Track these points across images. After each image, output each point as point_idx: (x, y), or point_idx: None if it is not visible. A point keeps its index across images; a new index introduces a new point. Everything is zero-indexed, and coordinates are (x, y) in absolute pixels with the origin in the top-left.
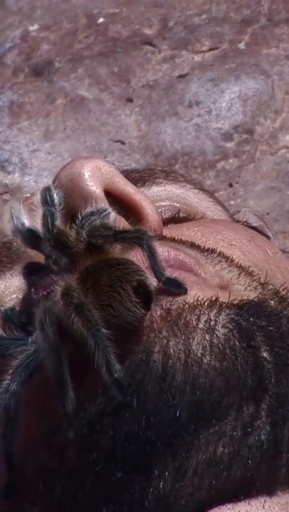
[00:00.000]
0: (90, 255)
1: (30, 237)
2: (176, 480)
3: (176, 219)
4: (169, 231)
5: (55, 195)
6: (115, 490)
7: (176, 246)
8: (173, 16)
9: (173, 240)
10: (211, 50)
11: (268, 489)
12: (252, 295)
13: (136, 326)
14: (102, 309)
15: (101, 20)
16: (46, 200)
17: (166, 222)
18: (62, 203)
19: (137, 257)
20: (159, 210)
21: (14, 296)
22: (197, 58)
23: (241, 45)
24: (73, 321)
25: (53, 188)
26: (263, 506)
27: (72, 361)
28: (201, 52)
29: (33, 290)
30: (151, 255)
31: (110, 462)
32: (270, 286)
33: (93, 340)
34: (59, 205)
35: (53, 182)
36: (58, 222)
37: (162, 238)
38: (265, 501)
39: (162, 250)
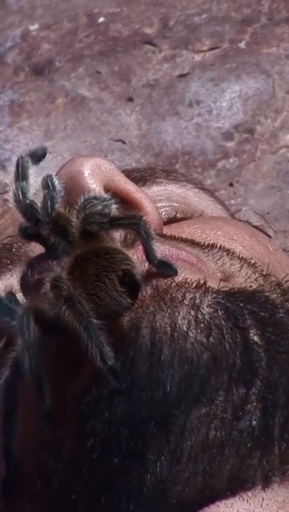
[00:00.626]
0: (84, 243)
1: (31, 214)
2: (172, 464)
3: (176, 219)
4: (169, 229)
5: (56, 182)
6: (113, 478)
7: (177, 245)
8: (173, 15)
9: (173, 238)
10: (211, 49)
11: (263, 478)
12: (249, 286)
13: (123, 315)
14: (88, 299)
15: (101, 19)
16: (47, 185)
17: (166, 222)
18: (63, 191)
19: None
20: (160, 210)
21: (16, 296)
22: (198, 58)
23: (242, 45)
24: (64, 313)
25: (54, 176)
26: (261, 505)
27: (66, 350)
28: (202, 51)
29: (29, 272)
30: (147, 239)
31: (106, 448)
32: (273, 278)
33: (86, 333)
34: (60, 192)
35: None
36: (58, 206)
37: (163, 237)
38: (263, 499)
39: (163, 249)
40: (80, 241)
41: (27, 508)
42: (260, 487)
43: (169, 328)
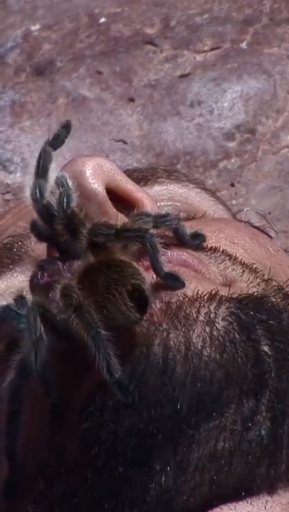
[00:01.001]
0: (95, 253)
1: (47, 214)
2: (178, 475)
3: None
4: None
5: (70, 182)
6: (117, 485)
7: (178, 246)
8: (175, 15)
9: None
10: (212, 49)
11: (269, 485)
12: (254, 291)
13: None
14: (97, 310)
15: (103, 19)
16: (62, 184)
17: None
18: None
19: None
20: (162, 209)
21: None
22: (199, 58)
23: (243, 45)
24: (73, 322)
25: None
26: (265, 507)
27: (72, 354)
28: (203, 51)
29: (39, 274)
30: (153, 252)
31: (111, 456)
32: (274, 283)
33: (93, 343)
34: (74, 191)
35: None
36: (74, 205)
37: (164, 237)
38: (266, 501)
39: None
40: (91, 250)
41: (29, 507)
42: (265, 493)
43: (183, 347)
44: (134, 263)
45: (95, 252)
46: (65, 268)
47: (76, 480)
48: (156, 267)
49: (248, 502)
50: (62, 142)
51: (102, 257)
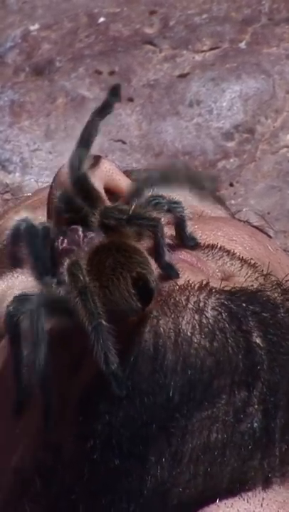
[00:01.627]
0: (106, 234)
1: (80, 180)
2: (173, 466)
3: None
4: (168, 229)
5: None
6: (113, 479)
7: (176, 244)
8: (174, 15)
9: (173, 238)
10: (211, 49)
11: (264, 479)
12: (250, 285)
13: (131, 317)
14: (101, 291)
15: (102, 19)
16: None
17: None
18: None
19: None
20: None
21: None
22: (198, 58)
23: (242, 45)
24: (77, 306)
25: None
26: (261, 504)
27: (69, 342)
28: (202, 51)
29: (60, 239)
30: (161, 242)
31: (107, 449)
32: (273, 278)
33: (93, 333)
34: None
35: (53, 179)
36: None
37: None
38: (263, 499)
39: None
40: (104, 231)
41: (26, 507)
42: (260, 487)
43: (172, 334)
44: (146, 252)
45: (110, 232)
46: (85, 242)
47: (73, 476)
48: (159, 255)
49: (244, 499)
50: (110, 109)
51: (115, 238)
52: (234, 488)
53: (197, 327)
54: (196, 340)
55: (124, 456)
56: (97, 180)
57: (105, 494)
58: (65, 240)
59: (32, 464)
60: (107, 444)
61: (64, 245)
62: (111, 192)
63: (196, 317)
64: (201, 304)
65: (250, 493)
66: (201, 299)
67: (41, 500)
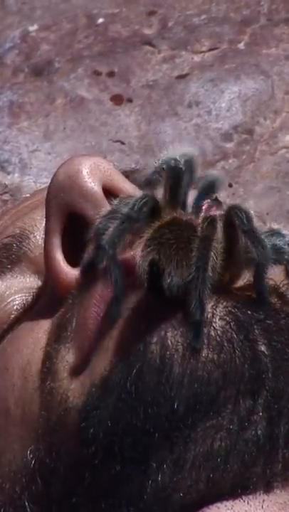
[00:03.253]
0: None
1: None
2: (174, 472)
3: None
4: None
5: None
6: (114, 484)
7: None
8: (172, 16)
9: None
10: (210, 50)
11: (266, 484)
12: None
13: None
14: (167, 245)
15: (101, 20)
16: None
17: None
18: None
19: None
20: None
21: (16, 296)
22: (197, 58)
23: (241, 45)
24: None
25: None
26: (262, 506)
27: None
28: (201, 52)
29: (206, 203)
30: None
31: (108, 455)
32: (271, 282)
33: (196, 281)
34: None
35: (51, 179)
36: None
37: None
38: (263, 501)
39: None
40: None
41: (27, 508)
42: (261, 491)
43: (180, 347)
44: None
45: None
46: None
47: (74, 479)
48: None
49: (245, 501)
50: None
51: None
52: (235, 493)
53: (205, 340)
54: (203, 354)
55: (126, 463)
56: (96, 180)
57: (106, 498)
58: (214, 206)
59: (33, 463)
60: (109, 450)
61: (212, 211)
62: (110, 193)
63: (204, 330)
64: (210, 315)
65: (250, 496)
66: (209, 309)
67: (42, 502)
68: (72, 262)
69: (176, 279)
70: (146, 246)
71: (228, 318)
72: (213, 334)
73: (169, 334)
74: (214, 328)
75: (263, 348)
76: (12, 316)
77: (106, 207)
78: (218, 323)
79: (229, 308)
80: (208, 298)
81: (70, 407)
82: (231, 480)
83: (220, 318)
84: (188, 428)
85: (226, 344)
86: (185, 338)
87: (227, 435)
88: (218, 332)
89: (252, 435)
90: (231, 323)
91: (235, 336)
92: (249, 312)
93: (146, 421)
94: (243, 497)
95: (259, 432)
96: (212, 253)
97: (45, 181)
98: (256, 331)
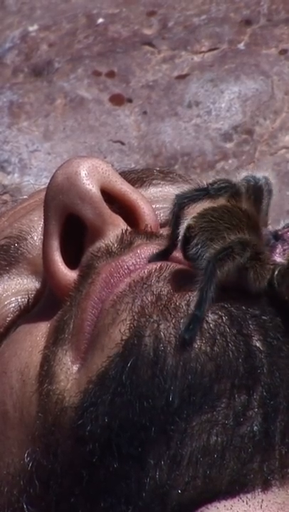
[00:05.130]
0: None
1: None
2: (172, 469)
3: None
4: (166, 231)
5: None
6: (112, 482)
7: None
8: (172, 16)
9: None
10: (210, 50)
11: (263, 482)
12: None
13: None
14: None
15: (100, 20)
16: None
17: (163, 223)
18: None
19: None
20: (157, 211)
21: (13, 298)
22: (197, 59)
23: (241, 46)
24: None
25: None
26: (261, 506)
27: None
28: (201, 52)
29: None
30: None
31: (106, 452)
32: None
33: (206, 269)
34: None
35: (50, 181)
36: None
37: (160, 237)
38: (262, 500)
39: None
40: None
41: (25, 510)
42: (259, 490)
43: (173, 339)
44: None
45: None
46: None
47: (72, 479)
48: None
49: (244, 501)
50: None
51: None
52: (233, 490)
53: (198, 333)
54: (196, 346)
55: (123, 459)
56: (94, 182)
57: (104, 497)
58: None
59: (31, 465)
60: (106, 447)
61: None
62: (108, 194)
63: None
64: None
65: (249, 495)
66: None
67: (41, 504)
68: (70, 264)
69: (202, 250)
70: (198, 214)
71: (220, 313)
72: (205, 327)
73: (161, 326)
74: (206, 321)
75: (258, 343)
76: (8, 318)
77: (104, 209)
78: (210, 316)
79: (222, 304)
80: (213, 294)
81: (67, 406)
82: (228, 476)
83: (212, 312)
84: (183, 421)
85: (218, 337)
86: (177, 330)
87: (223, 430)
88: (211, 325)
89: (248, 431)
90: (224, 317)
91: (228, 329)
92: (244, 307)
93: (142, 415)
94: (242, 497)
95: (255, 427)
96: (240, 258)
97: (44, 181)
98: (251, 326)
